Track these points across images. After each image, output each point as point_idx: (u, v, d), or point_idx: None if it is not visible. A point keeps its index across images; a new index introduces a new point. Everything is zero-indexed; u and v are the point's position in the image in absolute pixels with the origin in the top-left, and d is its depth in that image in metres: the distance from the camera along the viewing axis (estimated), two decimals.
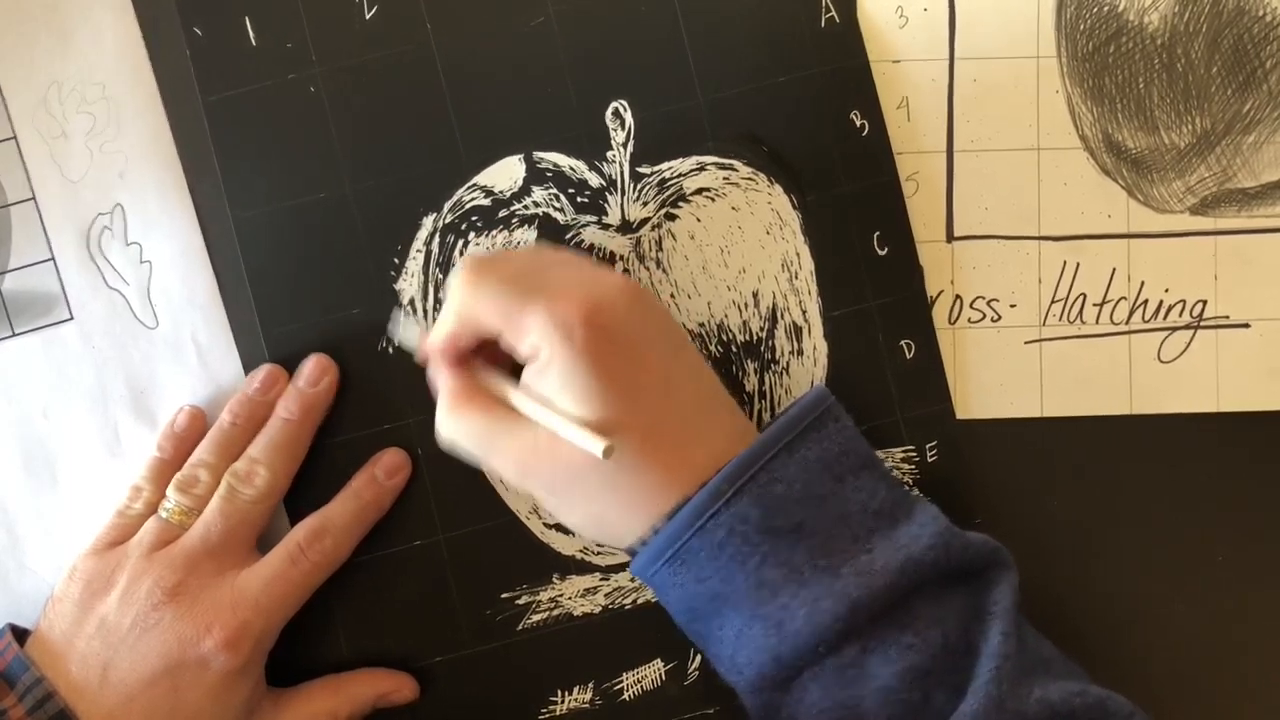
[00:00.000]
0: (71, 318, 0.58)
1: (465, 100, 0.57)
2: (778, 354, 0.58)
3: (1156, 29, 0.57)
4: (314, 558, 0.54)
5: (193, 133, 0.57)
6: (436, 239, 0.57)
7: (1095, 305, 0.58)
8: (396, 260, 0.57)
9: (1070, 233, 0.58)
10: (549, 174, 0.57)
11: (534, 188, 0.57)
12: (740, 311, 0.57)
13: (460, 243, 0.57)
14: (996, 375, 0.58)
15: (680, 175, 0.57)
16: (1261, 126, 0.57)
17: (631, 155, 0.57)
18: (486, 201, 0.57)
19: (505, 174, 0.57)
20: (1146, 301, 0.58)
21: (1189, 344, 0.58)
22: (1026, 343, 0.58)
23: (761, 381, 0.58)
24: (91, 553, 0.54)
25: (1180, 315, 0.58)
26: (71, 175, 0.58)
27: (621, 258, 0.57)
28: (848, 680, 0.47)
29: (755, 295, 0.57)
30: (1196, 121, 0.57)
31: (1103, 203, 0.57)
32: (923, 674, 0.46)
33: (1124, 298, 0.58)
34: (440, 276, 0.57)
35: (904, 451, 0.58)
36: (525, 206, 0.57)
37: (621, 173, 0.57)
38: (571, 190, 0.57)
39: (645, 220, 0.57)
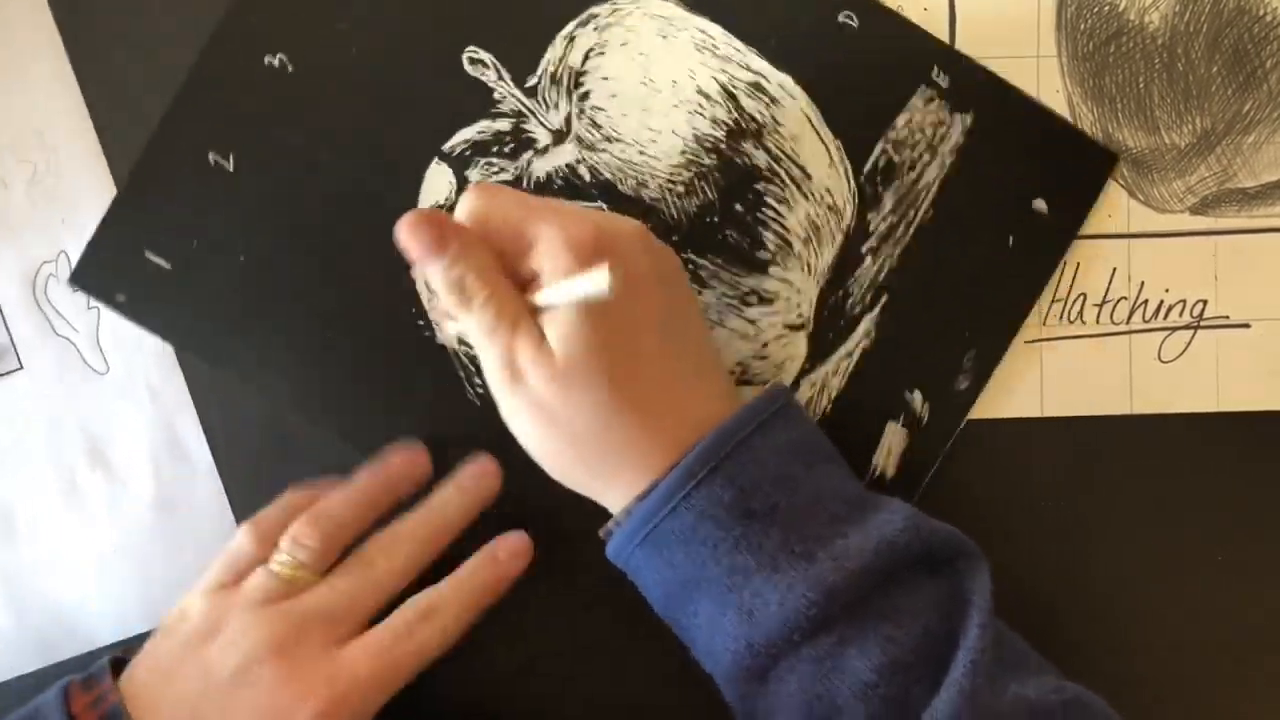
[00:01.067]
0: (21, 367, 0.57)
1: (356, 154, 0.57)
2: (759, 119, 0.57)
3: (1157, 29, 0.57)
4: (422, 638, 0.51)
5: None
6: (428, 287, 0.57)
7: (1095, 305, 0.58)
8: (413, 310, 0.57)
9: None
10: (469, 153, 0.56)
11: (468, 174, 0.56)
12: (702, 115, 0.57)
13: None
14: (997, 375, 0.57)
15: (560, 60, 0.56)
16: (1262, 126, 0.57)
17: (512, 80, 0.56)
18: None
19: (437, 182, 0.57)
20: (1147, 301, 0.58)
21: (1189, 344, 0.58)
22: (1027, 343, 0.58)
23: (768, 153, 0.56)
24: (204, 592, 0.52)
25: (1180, 315, 0.58)
26: (14, 224, 0.57)
27: (579, 160, 0.56)
28: (825, 672, 0.46)
29: (700, 91, 0.57)
30: (1197, 121, 0.57)
31: (1103, 202, 0.57)
32: (903, 667, 0.46)
33: (1124, 298, 0.57)
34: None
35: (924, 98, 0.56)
36: None
37: (518, 99, 0.56)
38: (496, 148, 0.56)
39: (568, 117, 0.56)
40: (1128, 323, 0.58)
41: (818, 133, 0.56)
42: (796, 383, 0.57)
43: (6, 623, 0.57)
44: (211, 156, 0.56)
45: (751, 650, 0.46)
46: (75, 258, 0.57)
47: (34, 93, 0.57)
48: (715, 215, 0.56)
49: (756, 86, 0.56)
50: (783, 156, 0.56)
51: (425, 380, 0.57)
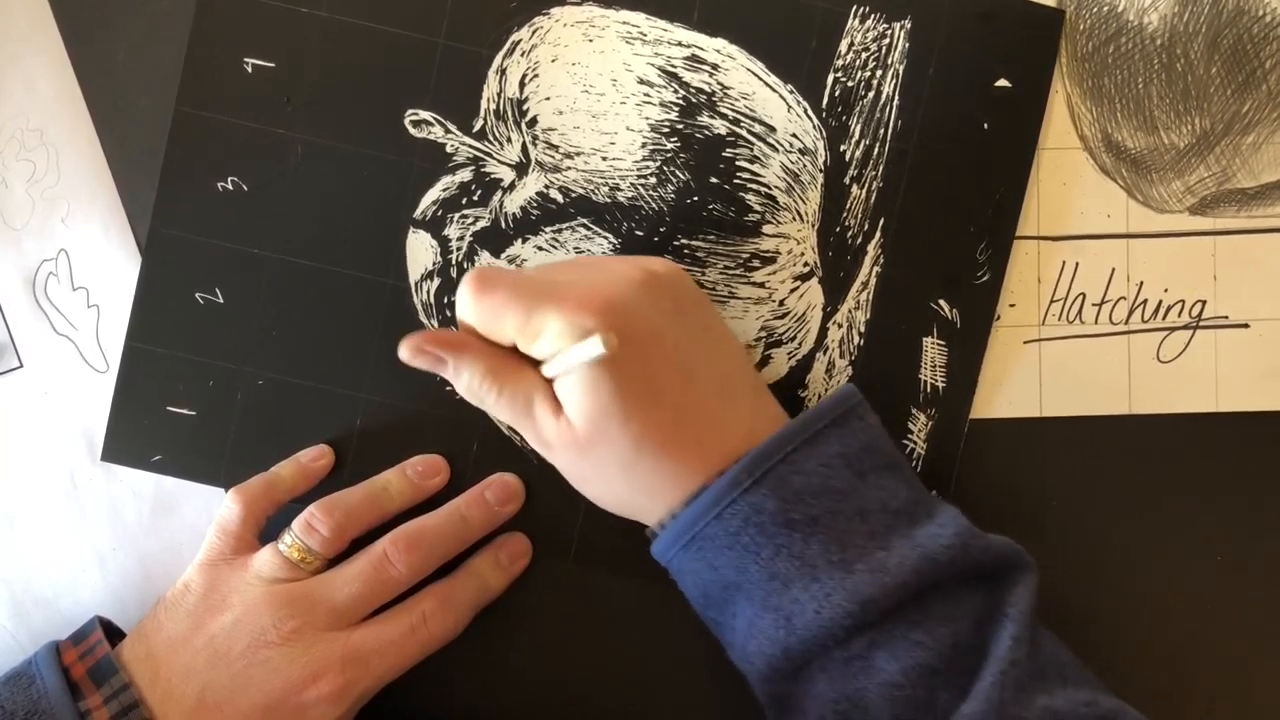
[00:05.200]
0: (21, 366, 0.57)
1: (335, 251, 0.57)
2: (707, 89, 0.56)
3: (1156, 29, 0.57)
4: (434, 629, 0.53)
5: (133, 173, 0.57)
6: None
7: (1094, 305, 0.58)
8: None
9: (1069, 232, 0.58)
10: (440, 212, 0.57)
11: (446, 232, 0.57)
12: (650, 103, 0.57)
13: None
14: (996, 375, 0.58)
15: (499, 94, 0.56)
16: (1261, 127, 0.57)
17: (459, 129, 0.57)
18: (438, 281, 0.57)
19: (419, 251, 0.57)
20: (1146, 301, 0.58)
21: (1188, 344, 0.58)
22: (1026, 342, 0.58)
23: (725, 119, 0.57)
24: (204, 565, 0.53)
25: (1179, 315, 0.58)
26: (14, 224, 0.57)
27: (547, 185, 0.56)
28: (854, 672, 0.47)
29: (641, 81, 0.57)
30: (1196, 122, 0.57)
31: (1102, 202, 0.57)
32: (929, 672, 0.46)
33: (1123, 297, 0.58)
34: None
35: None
36: (458, 248, 0.57)
37: (471, 146, 0.57)
38: (465, 199, 0.57)
39: (523, 147, 0.57)
40: (1127, 323, 0.58)
41: (768, 84, 0.56)
42: (824, 328, 0.57)
43: (6, 623, 0.57)
44: (199, 296, 0.57)
45: (787, 655, 0.47)
46: (75, 257, 0.57)
47: (34, 92, 0.57)
48: (694, 194, 0.56)
49: (694, 59, 0.56)
50: (741, 118, 0.56)
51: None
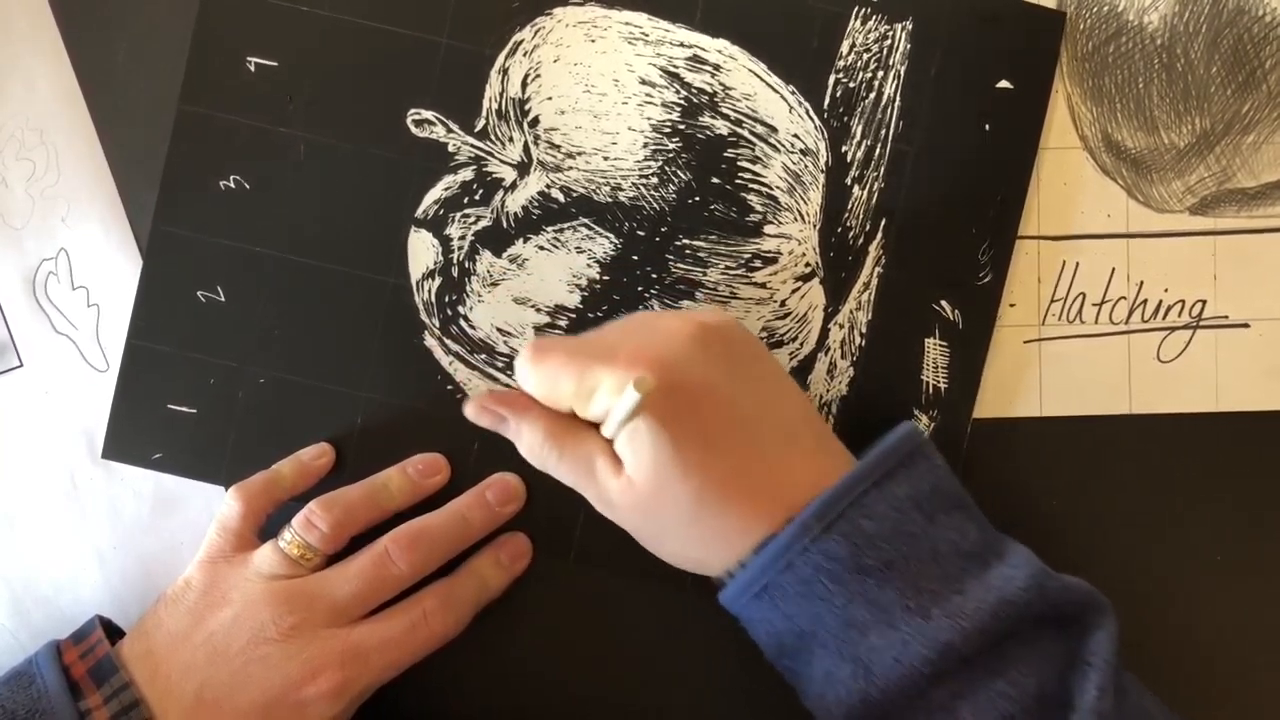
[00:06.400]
0: (21, 365, 0.57)
1: (336, 250, 0.57)
2: (709, 89, 0.57)
3: (1156, 29, 0.57)
4: (434, 628, 0.53)
5: (133, 173, 0.57)
6: (440, 345, 0.57)
7: (1094, 305, 0.58)
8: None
9: (1069, 232, 0.58)
10: (443, 212, 0.57)
11: (448, 230, 0.57)
12: (652, 104, 0.57)
13: (463, 309, 0.57)
14: (996, 375, 0.58)
15: (501, 94, 0.57)
16: (1261, 126, 0.57)
17: (461, 129, 0.57)
18: (439, 280, 0.57)
19: (421, 249, 0.57)
20: (1146, 301, 0.58)
21: (1188, 344, 0.58)
22: (1026, 342, 0.58)
23: (727, 119, 0.57)
24: (205, 562, 0.53)
25: (1179, 315, 0.58)
26: (14, 223, 0.57)
27: (549, 184, 0.57)
28: None
29: (643, 81, 0.57)
30: (1196, 121, 0.57)
31: (1102, 202, 0.57)
32: None
33: (1123, 297, 0.58)
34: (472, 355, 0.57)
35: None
36: (460, 246, 0.57)
37: (472, 145, 0.57)
38: (466, 199, 0.57)
39: (525, 147, 0.57)
40: (1127, 322, 0.58)
41: (769, 85, 0.57)
42: (826, 329, 0.57)
43: (6, 622, 0.57)
44: (200, 294, 0.57)
45: (867, 704, 0.46)
46: (75, 256, 0.57)
47: (34, 92, 0.57)
48: (696, 195, 0.56)
49: (696, 59, 0.57)
50: (743, 118, 0.57)
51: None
